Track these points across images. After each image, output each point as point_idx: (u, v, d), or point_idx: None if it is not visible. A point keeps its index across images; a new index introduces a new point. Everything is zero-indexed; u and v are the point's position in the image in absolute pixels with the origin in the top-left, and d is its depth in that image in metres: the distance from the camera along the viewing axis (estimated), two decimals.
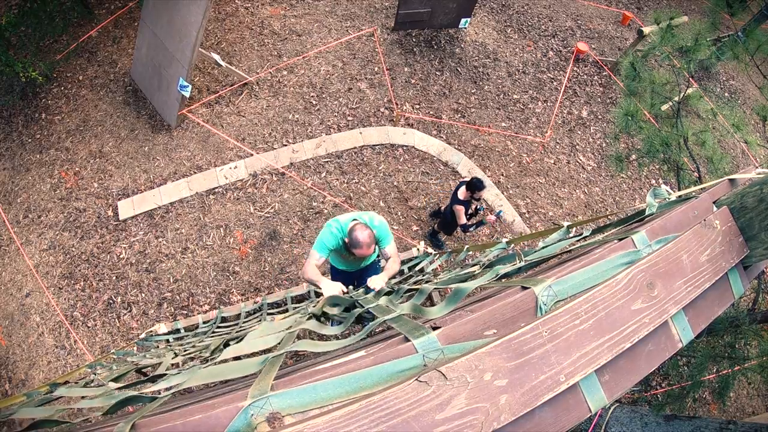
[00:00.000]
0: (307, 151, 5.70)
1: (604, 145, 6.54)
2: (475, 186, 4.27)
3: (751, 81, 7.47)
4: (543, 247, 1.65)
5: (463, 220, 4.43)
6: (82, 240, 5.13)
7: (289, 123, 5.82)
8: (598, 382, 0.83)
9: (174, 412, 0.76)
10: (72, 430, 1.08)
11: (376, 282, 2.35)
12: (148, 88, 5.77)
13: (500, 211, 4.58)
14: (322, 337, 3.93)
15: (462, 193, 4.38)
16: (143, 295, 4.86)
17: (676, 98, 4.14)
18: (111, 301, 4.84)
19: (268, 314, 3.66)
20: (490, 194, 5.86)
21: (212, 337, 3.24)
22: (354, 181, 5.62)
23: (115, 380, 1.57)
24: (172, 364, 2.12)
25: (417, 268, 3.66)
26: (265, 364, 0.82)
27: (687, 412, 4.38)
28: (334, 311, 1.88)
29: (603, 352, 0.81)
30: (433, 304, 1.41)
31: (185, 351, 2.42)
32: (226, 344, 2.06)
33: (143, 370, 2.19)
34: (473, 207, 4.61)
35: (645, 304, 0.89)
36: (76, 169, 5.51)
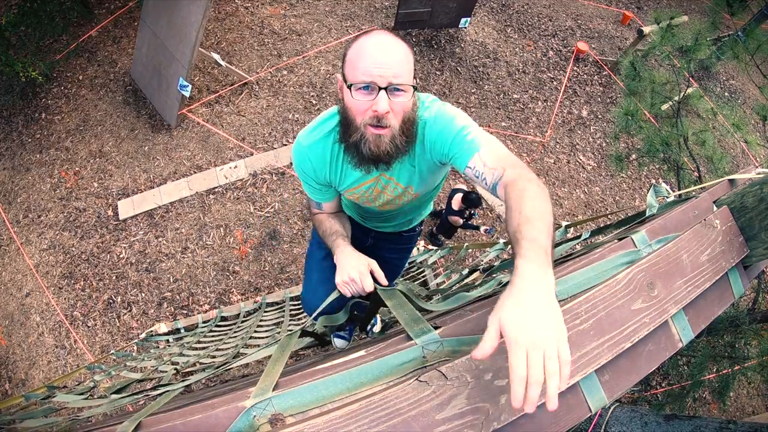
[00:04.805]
0: None
1: (604, 144, 6.54)
2: (471, 202, 4.43)
3: (751, 81, 7.46)
4: None
5: (460, 223, 4.69)
6: (82, 240, 5.13)
7: (289, 122, 5.82)
8: (598, 382, 0.83)
9: (174, 411, 0.76)
10: (74, 430, 1.08)
11: None
12: (148, 87, 5.77)
13: (491, 229, 4.84)
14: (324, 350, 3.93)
15: (456, 203, 4.55)
16: (143, 294, 4.86)
17: (676, 98, 4.13)
18: (111, 301, 4.84)
19: (265, 313, 3.66)
20: (491, 194, 5.85)
21: (210, 337, 3.25)
22: None
23: (117, 392, 1.56)
24: (176, 372, 2.12)
25: (418, 261, 3.69)
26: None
27: (687, 412, 4.38)
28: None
29: (603, 351, 0.81)
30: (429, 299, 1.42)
31: (187, 361, 2.41)
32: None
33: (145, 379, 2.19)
34: (467, 213, 4.79)
35: (645, 303, 0.89)
36: (76, 168, 5.51)
